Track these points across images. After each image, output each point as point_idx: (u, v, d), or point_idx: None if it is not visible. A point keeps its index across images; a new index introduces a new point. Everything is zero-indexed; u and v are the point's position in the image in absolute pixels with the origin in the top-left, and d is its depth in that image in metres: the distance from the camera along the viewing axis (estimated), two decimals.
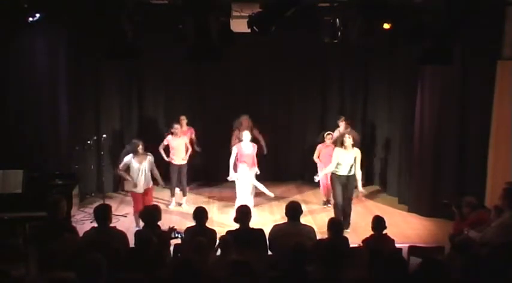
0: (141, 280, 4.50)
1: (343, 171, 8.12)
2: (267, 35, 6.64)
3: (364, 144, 11.16)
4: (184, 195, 9.57)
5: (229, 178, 8.83)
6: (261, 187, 8.79)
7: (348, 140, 8.09)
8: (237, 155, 8.90)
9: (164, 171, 9.20)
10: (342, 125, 9.69)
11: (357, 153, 8.09)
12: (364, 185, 10.88)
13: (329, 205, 9.39)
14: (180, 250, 5.63)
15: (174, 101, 10.92)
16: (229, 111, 10.57)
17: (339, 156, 8.09)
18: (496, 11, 7.99)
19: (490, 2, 7.65)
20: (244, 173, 8.65)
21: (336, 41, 8.20)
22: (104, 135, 9.32)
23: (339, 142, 8.33)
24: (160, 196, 9.69)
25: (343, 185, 8.18)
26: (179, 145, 9.35)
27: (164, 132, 9.95)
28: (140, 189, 8.02)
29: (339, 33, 8.06)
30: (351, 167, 8.10)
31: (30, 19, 7.14)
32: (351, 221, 8.34)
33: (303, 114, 11.14)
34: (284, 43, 9.99)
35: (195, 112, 10.74)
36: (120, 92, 10.41)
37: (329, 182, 8.70)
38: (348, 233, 7.44)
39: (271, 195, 8.85)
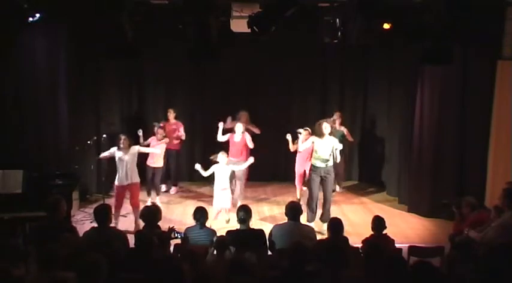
0: (141, 280, 4.50)
1: (320, 162, 7.97)
2: (267, 35, 6.64)
3: (364, 144, 11.22)
4: (158, 194, 9.51)
5: (211, 157, 8.40)
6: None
7: (326, 127, 7.87)
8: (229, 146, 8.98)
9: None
10: (335, 116, 9.88)
11: (334, 142, 7.91)
12: (364, 185, 11.02)
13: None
14: (180, 250, 5.63)
15: (174, 101, 10.91)
16: (229, 111, 10.57)
17: (316, 144, 7.94)
18: (496, 11, 7.99)
19: (490, 2, 7.65)
20: (221, 162, 8.09)
21: (336, 41, 8.20)
22: (104, 135, 9.32)
23: (317, 130, 8.07)
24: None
25: (322, 177, 8.00)
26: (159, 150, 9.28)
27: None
28: (123, 181, 8.02)
29: (339, 33, 8.06)
30: (329, 157, 7.93)
31: (30, 19, 7.15)
32: (352, 221, 8.33)
33: (302, 114, 11.13)
34: (284, 43, 9.99)
35: (195, 112, 10.74)
36: (120, 91, 10.40)
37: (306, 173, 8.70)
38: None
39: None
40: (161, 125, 9.62)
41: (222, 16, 7.01)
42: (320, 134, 7.93)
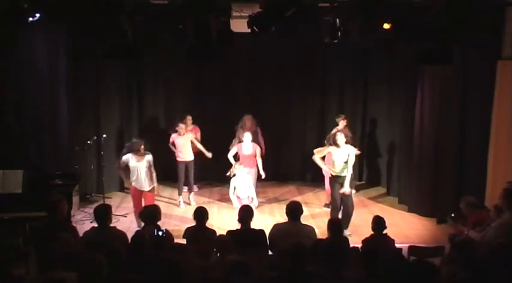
0: (141, 280, 4.51)
1: (337, 170, 8.00)
2: (267, 35, 6.64)
3: (365, 145, 11.21)
4: (190, 192, 9.52)
5: (228, 173, 8.53)
6: (253, 193, 8.46)
7: (340, 137, 7.97)
8: (238, 155, 8.88)
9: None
10: (341, 123, 9.66)
11: (350, 150, 7.98)
12: (364, 185, 11.00)
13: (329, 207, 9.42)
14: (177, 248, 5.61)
15: (174, 101, 10.93)
16: (229, 111, 10.59)
17: (333, 154, 8.03)
18: (496, 11, 7.99)
19: (490, 2, 7.65)
20: (240, 174, 8.25)
21: (336, 41, 8.19)
22: (104, 135, 9.32)
23: (332, 141, 8.17)
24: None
25: (341, 185, 8.00)
26: (184, 143, 9.35)
27: (167, 131, 9.99)
28: (141, 186, 7.95)
29: (339, 33, 8.05)
30: (345, 165, 7.95)
31: (30, 19, 7.14)
32: (352, 221, 8.30)
33: (302, 114, 11.14)
34: (284, 43, 9.99)
35: (194, 112, 10.71)
36: (120, 92, 10.38)
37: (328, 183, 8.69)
38: (348, 234, 7.44)
39: (255, 204, 8.60)
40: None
41: (222, 16, 6.99)
42: (337, 145, 7.99)
